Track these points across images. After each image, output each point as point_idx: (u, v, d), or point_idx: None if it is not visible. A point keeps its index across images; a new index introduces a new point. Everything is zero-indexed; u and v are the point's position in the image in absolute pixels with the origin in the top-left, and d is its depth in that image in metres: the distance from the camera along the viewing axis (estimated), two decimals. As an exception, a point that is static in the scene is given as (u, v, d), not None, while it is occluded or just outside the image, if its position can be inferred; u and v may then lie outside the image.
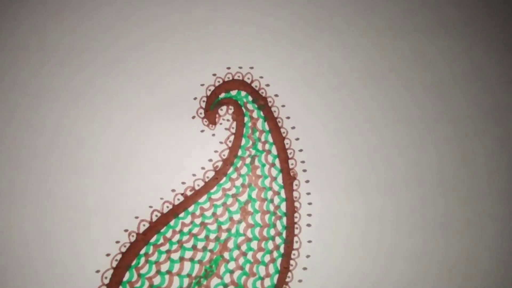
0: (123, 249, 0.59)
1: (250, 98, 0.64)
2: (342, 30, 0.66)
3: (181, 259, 0.59)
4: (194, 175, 0.61)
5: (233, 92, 0.64)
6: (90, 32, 0.64)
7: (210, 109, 0.63)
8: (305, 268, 0.59)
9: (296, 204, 0.61)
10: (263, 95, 0.64)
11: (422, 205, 0.62)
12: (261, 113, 0.64)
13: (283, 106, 0.64)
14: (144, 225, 0.60)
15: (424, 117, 0.65)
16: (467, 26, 0.67)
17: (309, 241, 0.60)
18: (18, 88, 0.63)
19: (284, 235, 0.60)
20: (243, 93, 0.64)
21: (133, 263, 0.58)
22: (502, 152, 0.64)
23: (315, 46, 0.66)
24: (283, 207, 0.61)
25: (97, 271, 0.58)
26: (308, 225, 0.61)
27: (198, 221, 0.60)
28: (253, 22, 0.66)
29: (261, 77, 0.65)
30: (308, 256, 0.60)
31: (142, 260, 0.59)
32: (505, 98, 0.65)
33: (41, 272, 0.57)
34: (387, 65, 0.66)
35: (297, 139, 0.64)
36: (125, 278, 0.58)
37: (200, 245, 0.59)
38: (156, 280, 0.58)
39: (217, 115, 0.63)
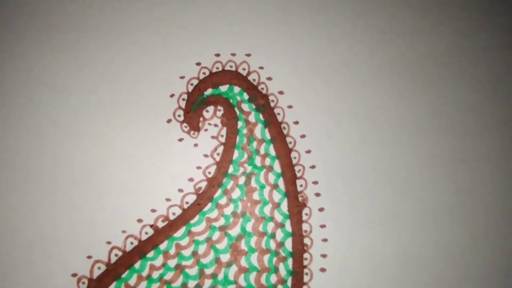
0: (70, 301, 0.44)
1: (245, 96, 0.49)
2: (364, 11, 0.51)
3: (149, 316, 0.44)
4: (168, 200, 0.46)
5: (223, 88, 0.49)
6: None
7: (192, 110, 0.48)
8: (317, 330, 0.45)
9: (306, 240, 0.46)
10: (264, 92, 0.49)
11: (468, 242, 0.47)
12: (261, 117, 0.49)
13: (289, 107, 0.49)
14: (99, 268, 0.45)
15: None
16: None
17: (323, 293, 0.45)
18: None
19: (289, 283, 0.45)
20: (236, 89, 0.49)
21: (83, 321, 0.44)
22: None
23: (332, 27, 0.50)
24: (289, 244, 0.46)
25: (33, 332, 0.43)
26: (322, 269, 0.45)
27: (172, 263, 0.45)
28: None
29: (261, 68, 0.49)
30: (322, 313, 0.45)
31: (95, 316, 0.44)
32: None
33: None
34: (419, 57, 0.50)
35: (308, 151, 0.48)
36: None
37: (175, 297, 0.45)
38: None
39: (201, 119, 0.48)
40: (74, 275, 0.44)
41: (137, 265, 0.44)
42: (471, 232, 0.47)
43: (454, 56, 0.50)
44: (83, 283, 0.44)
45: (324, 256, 0.46)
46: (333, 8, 0.50)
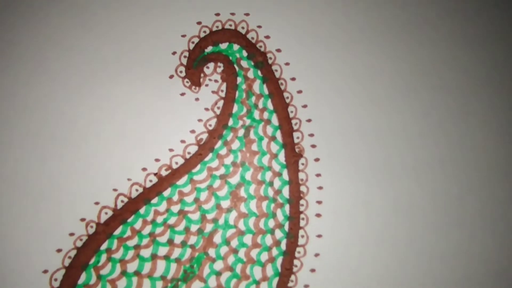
0: (79, 244, 0.46)
1: (244, 54, 0.51)
2: None
3: (154, 256, 0.46)
4: (171, 150, 0.48)
5: (223, 46, 0.51)
6: None
7: (193, 66, 0.50)
8: (313, 270, 0.46)
9: (303, 188, 0.48)
10: (262, 49, 0.51)
11: (459, 192, 0.49)
12: (259, 73, 0.51)
13: (287, 64, 0.51)
14: (106, 213, 0.47)
15: (464, 82, 0.52)
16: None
17: (319, 236, 0.47)
18: None
19: (286, 227, 0.48)
20: (235, 47, 0.51)
21: (91, 261, 0.46)
22: None
23: None
24: (286, 192, 0.48)
25: (45, 271, 0.45)
26: (318, 215, 0.48)
27: (175, 209, 0.47)
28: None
29: (259, 27, 0.51)
30: (317, 255, 0.47)
31: (103, 257, 0.46)
32: None
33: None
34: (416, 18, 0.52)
35: (305, 106, 0.50)
36: (81, 281, 0.45)
37: (178, 239, 0.46)
38: (121, 284, 0.45)
39: (202, 75, 0.50)
40: (82, 219, 0.46)
41: (142, 211, 0.47)
42: (461, 184, 0.49)
43: (447, 17, 0.53)
44: (91, 227, 0.46)
45: (319, 202, 0.48)
46: None
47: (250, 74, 0.50)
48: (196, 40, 0.50)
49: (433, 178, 0.49)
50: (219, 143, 0.49)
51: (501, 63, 0.52)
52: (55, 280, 0.45)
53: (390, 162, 0.49)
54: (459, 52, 0.52)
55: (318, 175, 0.48)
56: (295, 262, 0.46)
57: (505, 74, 0.52)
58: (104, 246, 0.46)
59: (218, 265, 0.46)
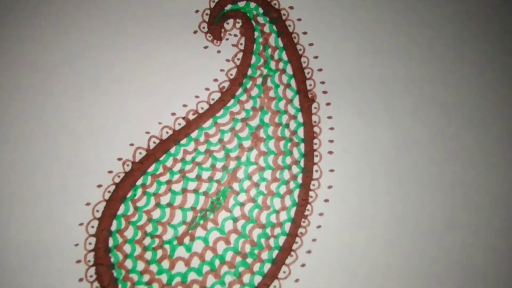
0: (117, 180, 0.51)
1: (260, 10, 0.56)
2: None
3: (184, 190, 0.52)
4: (197, 96, 0.53)
5: (241, 4, 0.56)
6: None
7: (215, 22, 0.55)
8: (326, 200, 0.52)
9: (316, 129, 0.54)
10: (276, 6, 0.56)
11: (464, 132, 0.54)
12: (274, 28, 0.56)
13: (299, 20, 0.56)
14: (140, 153, 0.52)
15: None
16: None
17: (331, 170, 0.52)
18: None
19: (302, 163, 0.53)
20: (252, 5, 0.56)
21: (129, 195, 0.51)
22: None
23: None
24: (301, 132, 0.53)
25: (88, 204, 0.51)
26: (330, 152, 0.53)
27: (202, 148, 0.53)
28: None
29: (274, -13, 0.57)
30: (330, 187, 0.52)
31: (139, 191, 0.51)
32: None
33: (26, 203, 0.50)
34: None
35: (316, 57, 0.55)
36: (120, 212, 0.51)
37: (205, 175, 0.52)
38: (155, 214, 0.51)
39: (222, 30, 0.55)
40: (119, 159, 0.52)
41: (172, 150, 0.52)
42: (458, 122, 0.54)
43: None
44: (127, 165, 0.52)
45: (331, 141, 0.53)
46: None
47: (266, 29, 0.55)
48: None
49: (432, 118, 0.54)
50: (240, 90, 0.54)
51: (495, 15, 0.57)
52: (97, 211, 0.50)
53: (394, 105, 0.54)
54: (456, 7, 0.57)
55: (329, 117, 0.53)
56: (311, 193, 0.52)
57: (500, 24, 0.57)
58: (139, 182, 0.51)
59: (242, 197, 0.51)
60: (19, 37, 0.54)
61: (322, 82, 0.54)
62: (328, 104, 0.54)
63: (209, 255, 0.50)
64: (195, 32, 0.55)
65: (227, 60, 0.54)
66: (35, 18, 0.54)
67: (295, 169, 0.53)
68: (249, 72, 0.54)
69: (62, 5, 0.54)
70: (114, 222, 0.50)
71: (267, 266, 0.50)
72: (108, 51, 0.53)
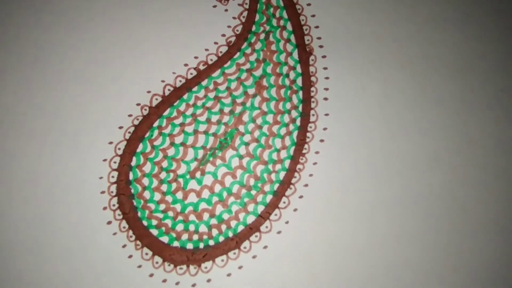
0: (136, 122, 0.58)
1: (263, -26, 0.62)
2: None
3: (195, 132, 0.58)
4: (207, 49, 0.60)
5: (246, -32, 0.62)
6: None
7: (223, -16, 0.61)
8: (322, 140, 0.58)
9: (313, 78, 0.60)
10: (277, -30, 0.62)
11: (440, 80, 0.60)
12: (276, -11, 0.62)
13: (298, -18, 0.62)
14: (156, 99, 0.59)
15: None
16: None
17: (326, 114, 0.58)
18: None
19: (300, 108, 0.59)
20: (256, -32, 0.62)
21: (147, 135, 0.57)
22: None
23: None
24: (299, 81, 0.60)
25: (110, 143, 0.57)
26: (325, 98, 0.59)
27: (211, 95, 0.59)
28: None
29: (275, -47, 0.63)
30: (325, 129, 0.58)
31: (156, 132, 0.58)
32: None
33: (54, 142, 0.57)
34: None
35: (313, 15, 0.61)
36: (139, 149, 0.57)
37: (214, 118, 0.58)
38: (170, 152, 0.57)
39: (229, -9, 0.62)
40: (138, 104, 0.58)
41: (185, 97, 0.58)
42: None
43: None
44: (145, 109, 0.58)
45: (326, 89, 0.59)
46: None
47: (269, -10, 0.62)
48: None
49: (417, 71, 0.60)
50: (245, 44, 0.60)
51: None
52: (119, 149, 0.57)
53: (383, 58, 0.60)
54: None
55: (325, 68, 0.59)
56: (308, 134, 0.58)
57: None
58: (156, 124, 0.57)
59: (247, 138, 0.58)
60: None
61: (319, 38, 0.61)
62: (324, 56, 0.60)
63: (217, 188, 0.57)
64: None
65: (234, 18, 0.61)
66: None
67: (294, 113, 0.59)
68: (253, 28, 0.60)
69: None
70: (134, 159, 0.57)
71: (269, 197, 0.57)
72: (129, 9, 0.60)
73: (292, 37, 0.61)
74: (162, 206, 0.56)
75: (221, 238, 0.56)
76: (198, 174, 0.57)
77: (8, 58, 0.59)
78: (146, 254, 0.55)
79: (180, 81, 0.59)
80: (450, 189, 0.58)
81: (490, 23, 0.63)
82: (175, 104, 0.58)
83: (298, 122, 0.59)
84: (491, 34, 0.62)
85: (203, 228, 0.56)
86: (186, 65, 0.59)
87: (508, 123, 0.59)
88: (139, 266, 0.55)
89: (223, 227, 0.56)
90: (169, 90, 0.59)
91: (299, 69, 0.60)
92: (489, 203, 0.58)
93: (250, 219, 0.56)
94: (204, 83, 0.59)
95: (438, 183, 0.58)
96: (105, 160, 0.56)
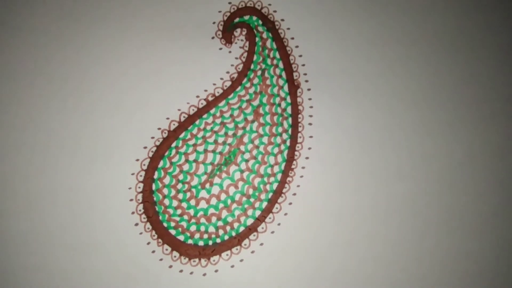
0: (158, 143, 0.71)
1: (260, 22, 0.76)
2: None
3: (205, 151, 0.71)
4: (214, 84, 0.73)
5: (246, 17, 0.76)
6: None
7: (227, 31, 0.75)
8: (307, 157, 0.71)
9: (300, 107, 0.73)
10: (271, 19, 0.76)
11: (403, 108, 0.74)
12: (270, 34, 0.75)
13: (288, 29, 0.75)
14: (174, 124, 0.72)
15: None
16: None
17: (311, 136, 0.72)
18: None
19: (289, 132, 0.72)
20: (254, 18, 0.76)
21: (166, 153, 0.71)
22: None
23: None
24: (289, 110, 0.73)
25: (137, 160, 0.70)
26: (310, 123, 0.72)
27: (218, 121, 0.72)
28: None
29: (269, 5, 0.76)
30: (309, 148, 0.71)
31: (173, 151, 0.71)
32: None
33: (92, 159, 0.70)
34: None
35: (300, 55, 0.75)
36: (160, 165, 0.70)
37: (220, 140, 0.71)
38: (185, 167, 0.71)
39: (232, 36, 0.75)
40: (159, 128, 0.71)
41: (197, 122, 0.72)
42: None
43: None
44: (165, 133, 0.71)
45: (311, 116, 0.72)
46: None
47: (264, 35, 0.75)
48: (228, 14, 0.75)
49: (387, 99, 0.74)
50: (245, 79, 0.73)
51: None
52: (144, 165, 0.70)
53: (358, 90, 0.73)
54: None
55: (309, 99, 0.73)
56: (296, 153, 0.71)
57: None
58: (173, 145, 0.71)
59: (246, 155, 0.71)
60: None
61: (305, 74, 0.74)
62: (309, 89, 0.73)
63: (223, 196, 0.70)
64: (213, 37, 0.74)
65: (236, 58, 0.74)
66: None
67: (284, 136, 0.72)
68: (252, 66, 0.74)
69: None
70: (156, 173, 0.70)
71: (264, 204, 0.70)
72: (156, 52, 0.72)
73: (283, 74, 0.74)
74: (179, 211, 0.69)
75: (226, 237, 0.69)
76: (207, 185, 0.70)
77: (55, 90, 0.72)
78: (166, 249, 0.68)
79: (193, 109, 0.72)
80: (411, 197, 0.71)
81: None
82: (189, 128, 0.72)
83: (288, 143, 0.72)
84: (448, 68, 0.76)
85: (211, 229, 0.69)
86: (197, 96, 0.73)
87: (457, 143, 0.73)
88: (161, 259, 0.68)
89: (228, 228, 0.69)
90: (184, 116, 0.72)
91: (288, 99, 0.73)
92: (442, 209, 0.71)
93: (249, 221, 0.70)
94: (212, 111, 0.73)
95: (402, 192, 0.71)
96: (133, 174, 0.70)
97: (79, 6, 0.74)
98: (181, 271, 0.68)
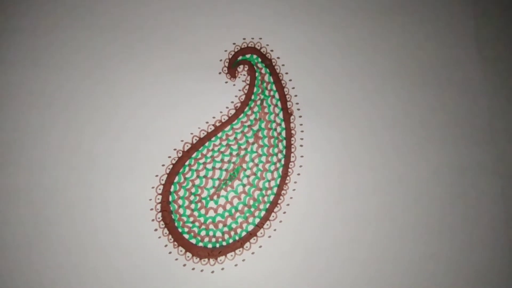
0: (173, 161, 0.84)
1: (259, 60, 0.89)
2: (332, 9, 0.91)
3: (213, 168, 0.84)
4: (221, 112, 0.87)
5: (248, 56, 0.90)
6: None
7: (232, 67, 0.89)
8: (299, 174, 0.85)
9: (292, 131, 0.87)
10: (269, 57, 0.90)
11: (381, 131, 0.87)
12: (268, 70, 0.89)
13: (283, 65, 0.89)
14: (187, 146, 0.85)
15: None
16: None
17: (302, 156, 0.85)
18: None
19: (284, 152, 0.86)
20: (254, 56, 0.90)
21: (181, 170, 0.84)
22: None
23: (309, 22, 0.91)
24: (284, 133, 0.86)
25: (156, 176, 0.83)
26: (301, 145, 0.86)
27: (224, 143, 0.86)
28: (262, 5, 0.91)
29: (267, 45, 0.90)
30: (301, 166, 0.85)
31: (187, 168, 0.84)
32: None
33: (118, 176, 0.83)
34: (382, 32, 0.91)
35: (293, 88, 0.89)
36: (175, 180, 0.83)
37: (226, 159, 0.85)
38: (197, 182, 0.84)
39: (236, 71, 0.89)
40: (175, 149, 0.84)
41: (206, 144, 0.85)
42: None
43: None
44: (180, 153, 0.84)
45: (302, 139, 0.86)
46: None
47: (263, 71, 0.89)
48: (232, 53, 0.89)
49: (366, 127, 0.87)
50: (247, 108, 0.87)
51: None
52: (162, 180, 0.83)
53: (342, 117, 0.87)
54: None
55: (301, 124, 0.86)
56: (289, 170, 0.84)
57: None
58: (187, 163, 0.84)
59: (248, 172, 0.84)
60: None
61: (297, 103, 0.88)
62: (300, 116, 0.87)
63: (228, 206, 0.83)
64: (220, 73, 0.88)
65: (239, 90, 0.88)
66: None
67: (279, 156, 0.85)
68: (252, 97, 0.88)
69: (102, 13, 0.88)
70: (172, 186, 0.83)
71: (263, 213, 0.83)
72: (172, 87, 0.86)
73: (279, 103, 0.88)
74: (191, 219, 0.82)
75: (231, 240, 0.82)
76: (215, 197, 0.83)
77: (91, 117, 0.85)
78: (181, 251, 0.81)
79: (203, 133, 0.86)
80: (387, 208, 0.84)
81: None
82: (199, 149, 0.85)
83: (282, 162, 0.85)
84: (420, 91, 0.89)
85: (218, 234, 0.82)
86: (207, 122, 0.86)
87: (425, 162, 0.86)
88: (176, 259, 0.81)
89: (232, 233, 0.82)
90: (196, 139, 0.85)
91: (283, 125, 0.87)
92: (412, 217, 0.84)
93: (250, 227, 0.82)
94: (219, 135, 0.86)
95: (378, 204, 0.84)
96: (153, 187, 0.83)
97: (109, 48, 0.88)
98: (193, 268, 0.81)
